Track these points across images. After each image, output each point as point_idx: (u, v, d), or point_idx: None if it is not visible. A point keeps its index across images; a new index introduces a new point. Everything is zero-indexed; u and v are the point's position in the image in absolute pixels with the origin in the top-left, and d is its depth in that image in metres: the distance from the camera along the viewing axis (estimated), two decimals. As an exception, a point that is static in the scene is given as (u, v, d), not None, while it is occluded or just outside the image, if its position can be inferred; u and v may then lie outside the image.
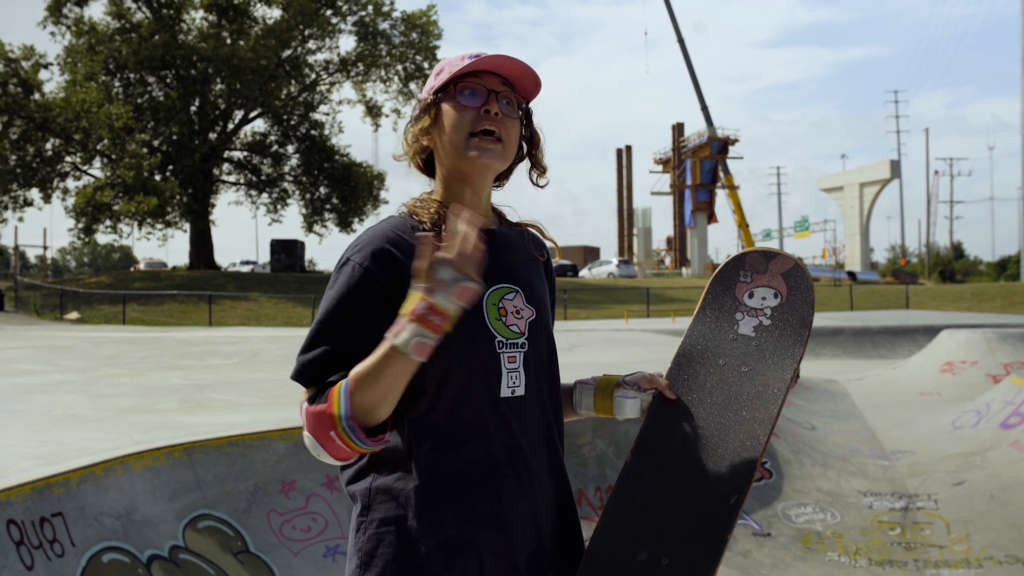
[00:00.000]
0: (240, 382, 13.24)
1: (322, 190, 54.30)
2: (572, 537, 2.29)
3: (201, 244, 54.46)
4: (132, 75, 50.95)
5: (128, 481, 5.76)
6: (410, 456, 2.10)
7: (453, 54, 2.29)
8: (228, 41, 51.30)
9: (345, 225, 53.42)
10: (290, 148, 56.13)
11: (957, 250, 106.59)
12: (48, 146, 48.16)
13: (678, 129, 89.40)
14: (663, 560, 2.19)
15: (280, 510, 6.34)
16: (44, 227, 76.89)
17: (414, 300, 1.93)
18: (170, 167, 49.92)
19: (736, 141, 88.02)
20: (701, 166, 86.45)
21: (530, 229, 2.43)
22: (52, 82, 58.24)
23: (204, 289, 40.83)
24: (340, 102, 65.82)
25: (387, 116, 56.87)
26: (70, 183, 50.05)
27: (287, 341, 22.74)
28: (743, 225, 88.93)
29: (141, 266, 79.39)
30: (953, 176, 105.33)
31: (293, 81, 54.04)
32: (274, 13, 54.58)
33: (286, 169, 56.19)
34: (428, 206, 2.23)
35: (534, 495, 2.18)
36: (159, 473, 6.01)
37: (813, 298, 2.40)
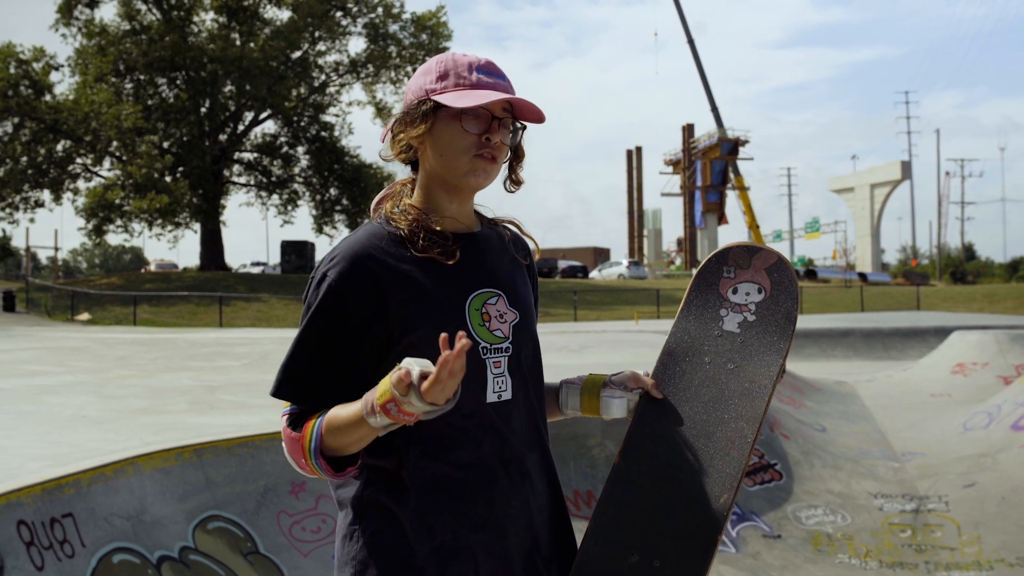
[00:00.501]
0: (250, 383, 13.25)
1: (332, 191, 54.39)
2: (565, 536, 2.29)
3: (212, 245, 54.57)
4: (142, 76, 51.09)
5: (138, 482, 5.77)
6: (401, 463, 2.09)
7: (468, 53, 2.25)
8: (238, 42, 51.43)
9: (355, 226, 53.34)
10: (300, 149, 56.24)
11: (968, 251, 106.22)
12: (59, 147, 48.31)
13: (688, 130, 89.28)
14: (654, 562, 2.19)
15: (290, 511, 6.34)
16: (55, 228, 77.22)
17: (386, 393, 1.89)
18: (180, 168, 50.02)
19: (746, 142, 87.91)
20: (711, 167, 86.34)
21: (510, 228, 2.41)
22: (63, 84, 58.54)
23: (215, 290, 40.92)
24: (350, 103, 66.02)
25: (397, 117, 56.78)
26: (80, 184, 50.24)
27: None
28: (754, 226, 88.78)
29: (152, 267, 79.59)
30: (964, 177, 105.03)
31: (303, 82, 54.13)
32: (283, 15, 54.70)
33: (296, 170, 56.29)
34: (407, 213, 2.19)
35: (527, 496, 2.18)
36: (169, 474, 6.02)
37: (797, 292, 2.38)
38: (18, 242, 76.79)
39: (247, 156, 57.12)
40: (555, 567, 2.22)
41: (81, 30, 50.38)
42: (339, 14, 53.64)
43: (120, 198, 45.39)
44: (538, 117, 2.22)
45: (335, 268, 2.09)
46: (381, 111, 56.18)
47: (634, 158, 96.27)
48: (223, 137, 53.99)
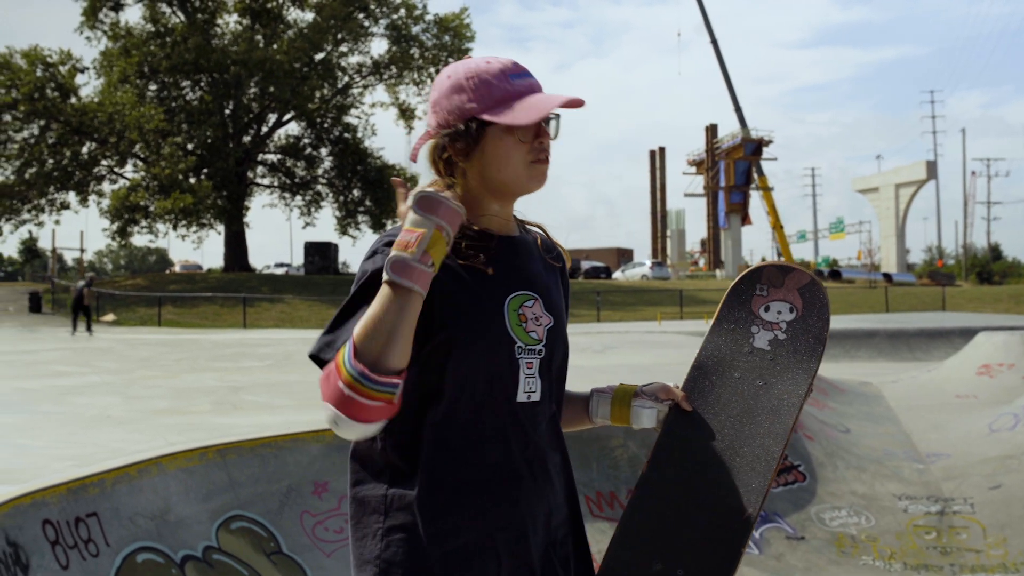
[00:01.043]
0: (274, 384, 13.31)
1: (355, 192, 54.55)
2: (579, 537, 2.30)
3: (236, 247, 54.84)
4: (166, 79, 51.39)
5: (162, 482, 5.80)
6: (428, 461, 2.09)
7: (489, 59, 2.23)
8: (261, 45, 51.64)
9: (379, 227, 53.65)
10: (323, 151, 56.44)
11: (995, 251, 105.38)
12: (84, 149, 48.65)
13: (711, 130, 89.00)
14: (678, 572, 2.21)
15: (313, 511, 6.36)
16: (81, 230, 77.78)
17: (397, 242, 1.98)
18: (204, 170, 50.28)
19: (770, 142, 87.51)
20: (735, 167, 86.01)
21: (539, 231, 2.40)
22: (88, 86, 58.96)
23: (238, 291, 41.11)
24: (373, 105, 66.15)
25: (420, 119, 57.02)
26: (105, 186, 50.60)
27: (320, 343, 22.75)
28: (777, 227, 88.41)
29: (176, 268, 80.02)
30: (990, 177, 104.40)
31: (326, 84, 54.31)
32: (307, 16, 54.91)
33: (319, 172, 56.49)
34: None
35: (548, 497, 2.19)
36: (193, 474, 6.05)
37: (828, 314, 2.41)
38: (44, 243, 77.44)
39: (271, 158, 57.37)
40: (570, 566, 2.23)
41: (106, 33, 50.73)
42: (361, 15, 53.75)
43: (144, 199, 45.67)
44: (577, 104, 2.19)
45: (389, 243, 2.08)
46: (404, 112, 56.30)
47: (657, 159, 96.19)
48: (247, 139, 54.25)
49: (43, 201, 48.39)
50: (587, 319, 37.76)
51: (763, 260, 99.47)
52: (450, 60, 54.27)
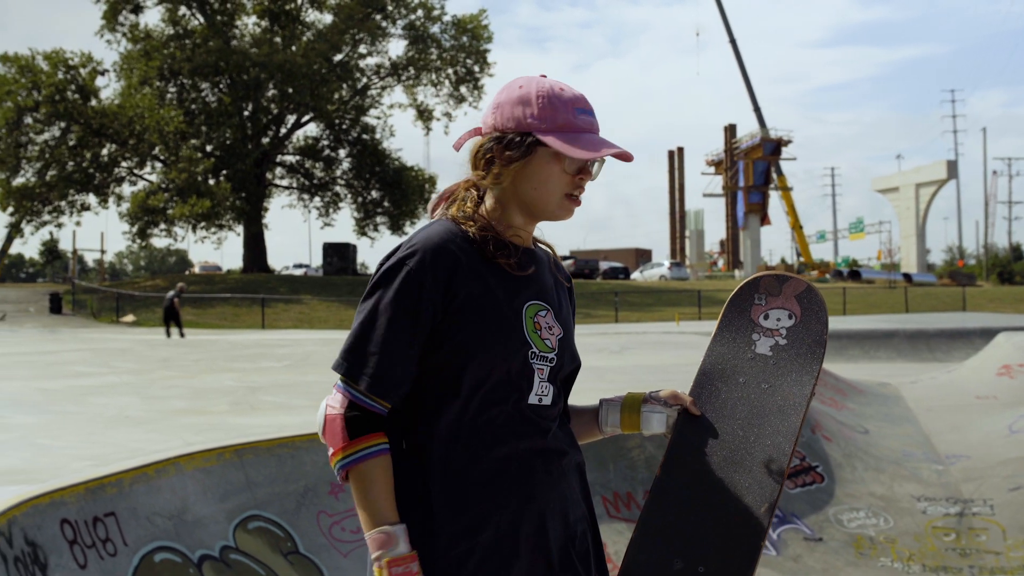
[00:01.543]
0: (291, 384, 13.35)
1: (374, 193, 54.67)
2: (595, 535, 2.33)
3: (254, 247, 55.03)
4: (186, 81, 51.63)
5: (180, 482, 5.82)
6: (444, 459, 2.12)
7: (563, 86, 2.27)
8: (280, 46, 51.81)
9: (397, 228, 53.78)
10: (342, 152, 56.60)
11: (1016, 251, 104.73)
12: (104, 151, 48.91)
13: (730, 130, 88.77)
14: (699, 569, 2.25)
15: (329, 511, 6.37)
16: (101, 231, 78.27)
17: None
18: (223, 171, 50.48)
19: (789, 142, 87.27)
20: (754, 167, 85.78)
21: (548, 250, 2.45)
22: (108, 89, 59.27)
23: (257, 292, 41.26)
24: (391, 106, 66.27)
25: (438, 120, 57.24)
26: (125, 188, 50.89)
27: (339, 344, 22.81)
28: (797, 227, 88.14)
29: (196, 269, 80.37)
30: (1011, 176, 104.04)
31: (344, 85, 54.44)
32: (325, 18, 55.11)
33: (338, 173, 56.64)
34: (476, 221, 2.24)
35: (564, 491, 2.22)
36: (210, 474, 6.07)
37: (826, 318, 2.49)
38: (65, 245, 77.93)
39: (289, 159, 57.56)
40: (589, 563, 2.26)
41: (126, 35, 51.01)
42: (379, 16, 53.85)
43: (163, 203, 45.89)
44: (626, 159, 2.28)
45: (415, 257, 2.13)
46: (422, 113, 56.39)
47: (676, 159, 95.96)
48: (265, 140, 54.43)
49: (63, 203, 48.67)
50: (605, 319, 37.73)
51: (782, 260, 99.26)
52: (468, 61, 54.28)
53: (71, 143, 47.34)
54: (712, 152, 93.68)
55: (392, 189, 53.12)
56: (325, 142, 56.47)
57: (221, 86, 52.55)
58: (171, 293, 30.28)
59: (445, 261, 2.12)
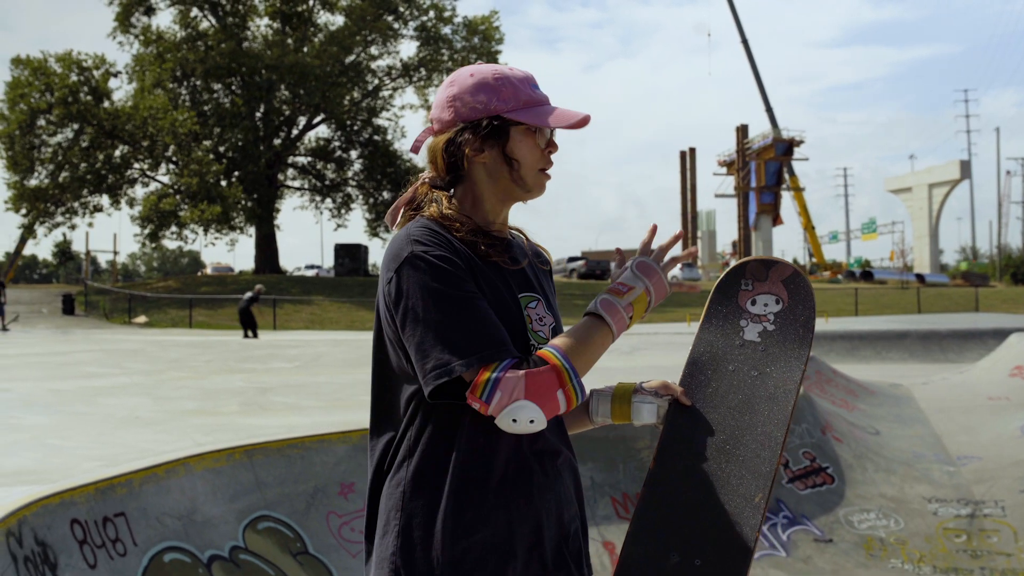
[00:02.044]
0: (301, 385, 13.37)
1: (385, 194, 54.69)
2: (585, 533, 2.33)
3: (266, 249, 55.13)
4: (198, 83, 51.76)
5: (189, 482, 5.85)
6: (443, 459, 2.11)
7: (510, 66, 2.30)
8: (292, 48, 51.91)
9: (408, 230, 53.73)
10: (353, 153, 56.64)
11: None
12: (117, 153, 49.06)
13: (742, 131, 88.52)
14: (696, 561, 2.23)
15: (339, 512, 6.39)
16: (114, 232, 78.55)
17: (641, 305, 2.24)
18: (235, 173, 50.59)
19: (801, 142, 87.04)
20: (766, 168, 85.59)
21: (520, 235, 2.44)
22: (121, 90, 59.42)
23: (269, 293, 41.28)
24: (402, 107, 66.36)
25: (447, 120, 57.04)
26: (138, 189, 51.04)
27: (350, 345, 22.93)
28: (809, 227, 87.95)
29: (208, 270, 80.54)
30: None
31: (356, 87, 54.52)
32: (337, 20, 55.19)
33: (349, 174, 56.70)
34: (462, 221, 2.20)
35: (559, 490, 2.22)
36: (220, 475, 6.09)
37: (813, 301, 2.46)
38: (78, 246, 78.16)
39: (301, 160, 57.66)
40: (582, 561, 2.26)
41: (138, 38, 51.16)
42: (391, 18, 53.91)
43: (174, 206, 46.03)
44: (586, 121, 2.27)
45: (422, 245, 2.09)
46: (433, 114, 56.30)
47: (688, 159, 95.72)
48: (277, 142, 54.52)
49: (76, 204, 48.83)
50: (616, 320, 37.64)
51: (794, 261, 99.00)
52: (480, 62, 54.80)
53: (84, 145, 47.48)
54: (724, 152, 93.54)
55: (403, 190, 53.07)
56: (337, 143, 56.56)
57: (233, 88, 52.67)
58: (248, 295, 30.38)
59: (448, 242, 2.11)
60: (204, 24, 52.99)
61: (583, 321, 2.16)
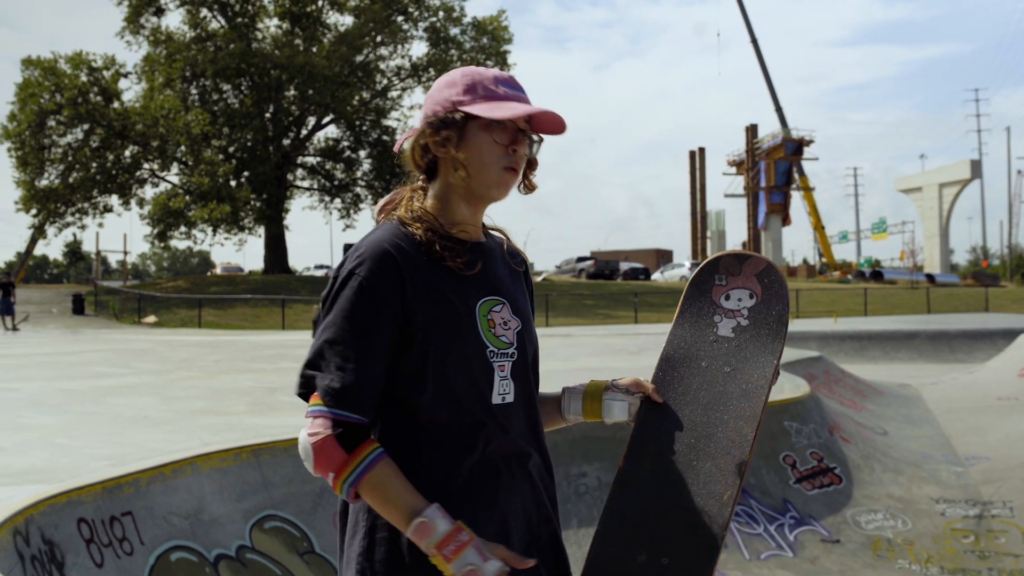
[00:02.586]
0: (310, 385, 13.35)
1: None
2: (556, 536, 2.32)
3: (275, 249, 55.22)
4: (207, 83, 51.87)
5: (196, 482, 5.86)
6: (409, 462, 2.12)
7: (491, 69, 2.30)
8: (301, 48, 51.98)
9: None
10: (362, 153, 56.68)
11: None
12: (127, 153, 49.20)
13: (752, 131, 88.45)
14: (663, 560, 2.22)
15: (345, 512, 6.39)
16: (124, 233, 78.78)
17: (439, 563, 2.02)
18: (245, 173, 50.69)
19: (811, 142, 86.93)
20: (775, 168, 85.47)
21: (500, 236, 2.45)
22: (130, 91, 59.59)
23: (278, 293, 41.40)
24: (411, 107, 66.33)
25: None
26: (148, 189, 51.17)
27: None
28: (819, 227, 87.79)
29: (218, 270, 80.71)
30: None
31: (365, 87, 54.57)
32: (346, 20, 55.25)
33: (358, 174, 56.75)
34: (422, 220, 2.23)
35: (527, 494, 2.22)
36: (227, 474, 6.11)
37: (787, 296, 2.44)
38: (88, 246, 78.37)
39: (310, 160, 57.74)
40: (549, 562, 2.25)
41: (147, 38, 51.28)
42: (401, 19, 53.99)
43: (183, 205, 46.14)
44: (558, 128, 2.27)
45: (364, 265, 2.12)
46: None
47: (697, 159, 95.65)
48: (286, 142, 54.61)
49: (86, 204, 48.97)
50: (625, 320, 37.70)
51: (804, 261, 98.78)
52: (488, 62, 54.32)
53: (94, 145, 47.62)
54: (733, 152, 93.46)
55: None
56: (346, 143, 56.62)
57: (242, 88, 52.77)
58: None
59: (395, 263, 2.12)
60: (213, 24, 53.10)
61: (409, 502, 2.05)
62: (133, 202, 50.73)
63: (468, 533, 2.02)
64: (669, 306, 43.57)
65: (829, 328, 27.25)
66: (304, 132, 56.01)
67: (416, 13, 54.43)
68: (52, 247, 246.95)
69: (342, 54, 51.23)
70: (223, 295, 42.47)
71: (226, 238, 50.35)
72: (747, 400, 2.33)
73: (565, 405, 2.45)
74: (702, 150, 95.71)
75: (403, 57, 56.06)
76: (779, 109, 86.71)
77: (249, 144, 51.33)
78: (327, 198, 57.35)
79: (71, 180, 47.45)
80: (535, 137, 2.29)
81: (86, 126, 47.01)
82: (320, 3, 54.28)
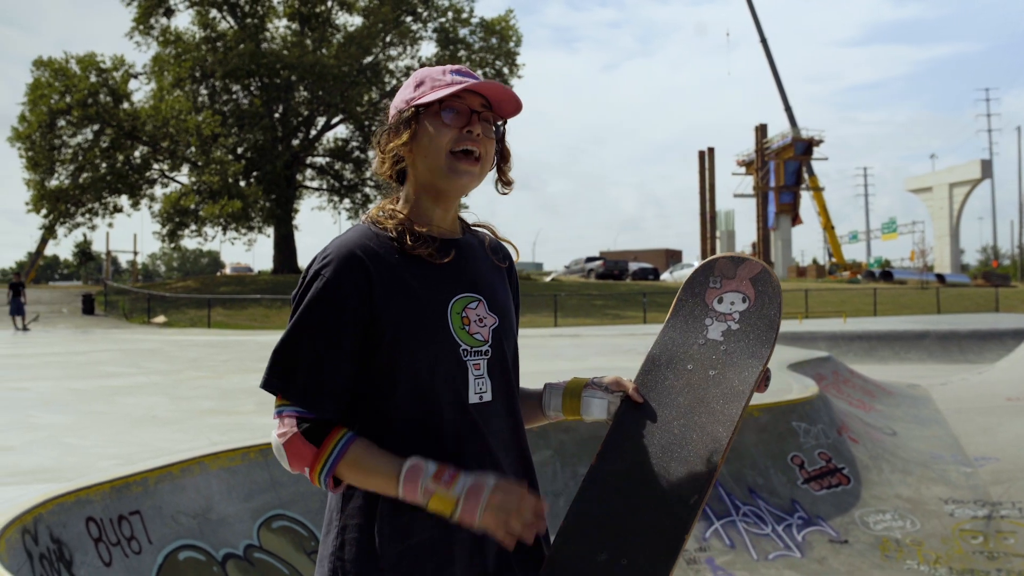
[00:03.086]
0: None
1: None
2: (538, 538, 2.28)
3: (285, 249, 55.29)
4: (217, 83, 51.97)
5: (204, 481, 5.88)
6: None
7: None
8: (311, 49, 52.05)
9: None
10: (371, 154, 56.18)
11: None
12: (136, 154, 49.30)
13: (761, 130, 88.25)
14: (622, 561, 2.20)
15: (353, 511, 6.40)
16: (134, 233, 78.84)
17: (446, 507, 2.02)
18: (254, 173, 50.77)
19: (821, 142, 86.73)
20: (785, 168, 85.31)
21: (485, 232, 2.44)
22: (140, 91, 59.72)
23: (287, 293, 41.38)
24: (421, 107, 66.39)
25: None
26: (157, 190, 51.27)
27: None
28: (828, 227, 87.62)
29: (227, 270, 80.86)
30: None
31: (374, 87, 54.62)
32: (356, 21, 55.29)
33: (367, 175, 56.76)
34: (393, 217, 2.25)
35: None
36: (235, 473, 6.13)
37: (780, 301, 2.42)
38: (98, 247, 78.56)
39: (319, 161, 57.79)
40: (528, 565, 2.23)
41: (157, 39, 51.39)
42: (410, 19, 54.06)
43: (195, 203, 46.23)
44: (515, 107, 2.26)
45: (330, 265, 2.13)
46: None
47: (707, 159, 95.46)
48: (296, 142, 54.68)
49: (96, 204, 49.08)
50: (634, 320, 37.68)
51: (813, 261, 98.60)
52: (497, 62, 54.28)
53: (104, 145, 47.73)
54: (743, 152, 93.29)
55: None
56: (355, 144, 56.64)
57: (252, 88, 52.86)
58: None
59: (361, 264, 2.12)
60: (223, 25, 53.20)
61: (392, 461, 2.06)
62: (143, 202, 50.85)
63: (454, 467, 2.05)
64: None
65: (838, 328, 27.21)
66: (313, 132, 56.08)
67: (425, 14, 54.47)
68: (62, 247, 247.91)
69: (351, 54, 51.28)
70: (233, 295, 42.53)
71: (235, 238, 50.45)
72: (727, 404, 2.30)
73: (546, 401, 2.43)
74: (711, 150, 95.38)
75: (412, 58, 56.12)
76: (788, 109, 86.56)
77: (258, 144, 51.40)
78: (336, 198, 57.41)
79: (81, 180, 47.55)
80: (498, 122, 2.29)
81: (96, 126, 47.10)
82: (329, 4, 54.34)
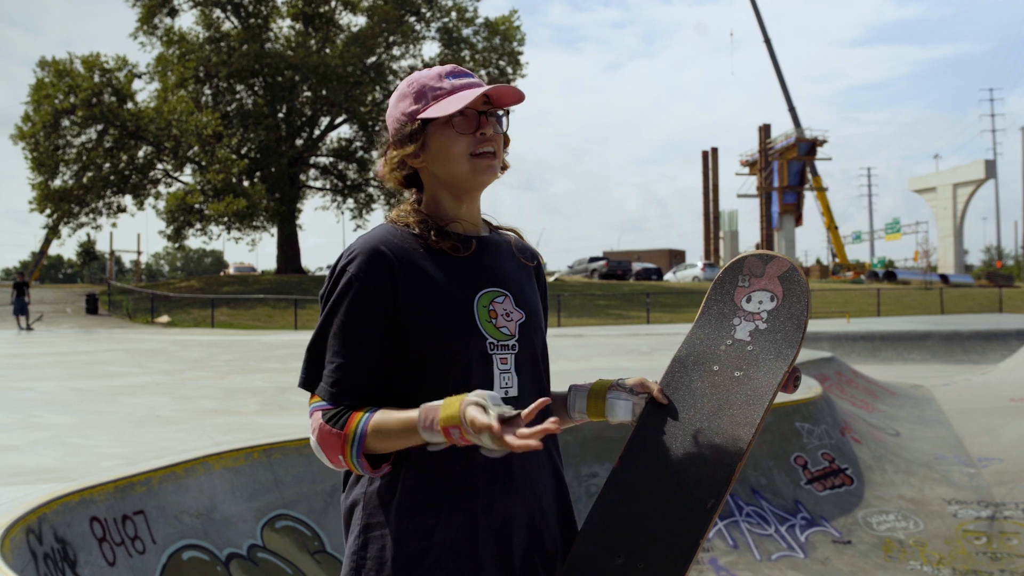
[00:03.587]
0: (322, 385, 13.37)
1: (407, 196, 54.72)
2: (568, 536, 2.30)
3: (288, 249, 55.32)
4: (221, 83, 52.01)
5: (208, 481, 5.89)
6: (405, 459, 2.12)
7: (432, 68, 2.32)
8: (315, 49, 52.06)
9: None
10: (375, 154, 56.23)
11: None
12: (140, 154, 49.33)
13: (765, 130, 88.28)
14: (639, 564, 2.20)
15: (356, 511, 6.40)
16: (138, 233, 78.93)
17: (453, 418, 1.94)
18: (258, 173, 50.80)
19: (824, 142, 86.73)
20: (788, 168, 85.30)
21: (511, 234, 2.46)
22: (144, 91, 59.73)
23: (290, 293, 41.46)
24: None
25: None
26: (161, 189, 51.27)
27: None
28: (832, 227, 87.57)
29: (231, 270, 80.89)
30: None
31: (378, 87, 54.62)
32: (359, 21, 55.29)
33: (371, 174, 56.75)
34: (416, 214, 2.28)
35: (529, 494, 2.20)
36: (239, 473, 6.13)
37: (808, 299, 2.38)
38: (102, 246, 78.61)
39: (323, 160, 57.81)
40: (554, 566, 2.23)
41: (161, 39, 51.42)
42: (413, 19, 54.06)
43: (199, 202, 46.26)
44: (517, 98, 2.27)
45: (355, 262, 2.15)
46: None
47: (710, 159, 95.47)
48: (299, 142, 54.70)
49: (100, 204, 49.12)
50: (637, 320, 37.65)
51: (817, 261, 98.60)
52: (500, 62, 54.23)
53: (108, 145, 47.75)
54: (746, 152, 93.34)
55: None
56: (358, 144, 56.68)
57: (256, 88, 52.88)
58: None
59: (384, 259, 2.14)
60: (227, 25, 53.24)
61: (410, 416, 2.01)
62: (147, 202, 50.90)
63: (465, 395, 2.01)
64: (681, 307, 43.57)
65: (842, 328, 27.18)
66: (317, 132, 56.10)
67: (429, 14, 54.46)
68: (66, 247, 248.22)
69: (355, 54, 51.29)
70: (236, 295, 42.55)
71: (238, 238, 50.47)
72: (750, 406, 2.28)
73: (571, 403, 2.41)
74: (715, 150, 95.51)
75: (416, 57, 56.11)
76: (792, 109, 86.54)
77: (262, 144, 51.42)
78: (340, 198, 57.44)
79: (85, 180, 47.56)
80: (500, 112, 2.30)
81: (100, 126, 47.10)
82: (333, 4, 54.37)
